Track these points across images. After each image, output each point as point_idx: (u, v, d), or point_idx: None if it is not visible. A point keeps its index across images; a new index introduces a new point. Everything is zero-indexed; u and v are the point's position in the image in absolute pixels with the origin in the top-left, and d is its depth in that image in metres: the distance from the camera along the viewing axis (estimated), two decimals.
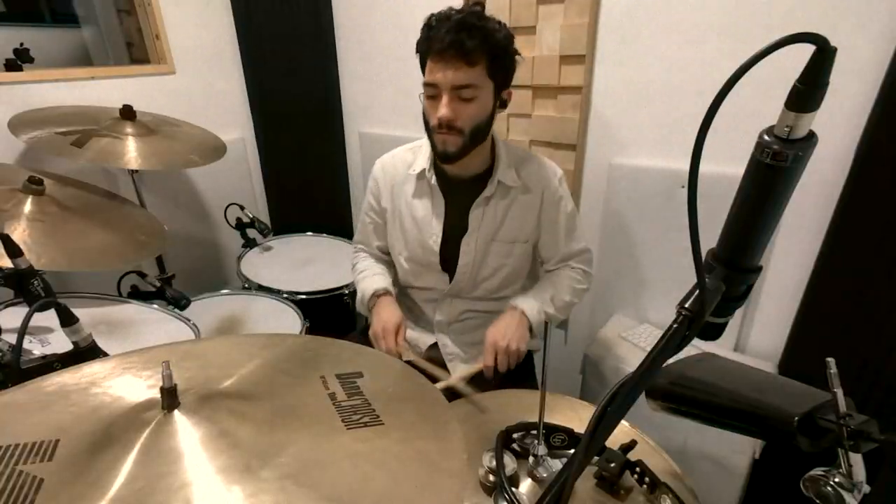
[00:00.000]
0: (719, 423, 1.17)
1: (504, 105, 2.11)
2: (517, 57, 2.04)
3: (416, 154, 2.30)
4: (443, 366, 2.32)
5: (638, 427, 1.72)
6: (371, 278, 2.37)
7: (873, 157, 1.99)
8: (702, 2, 2.23)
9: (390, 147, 2.43)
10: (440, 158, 2.10)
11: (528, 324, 2.14)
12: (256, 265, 3.38)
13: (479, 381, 2.04)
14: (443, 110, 1.94)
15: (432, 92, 1.98)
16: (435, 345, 2.43)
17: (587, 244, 2.37)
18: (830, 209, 2.15)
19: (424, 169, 2.23)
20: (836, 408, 0.93)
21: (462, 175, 2.20)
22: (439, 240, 2.26)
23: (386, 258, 2.56)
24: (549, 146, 2.87)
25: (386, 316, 2.20)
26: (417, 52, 2.04)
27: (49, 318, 1.54)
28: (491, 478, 1.46)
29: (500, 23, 1.97)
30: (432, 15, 1.98)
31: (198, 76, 3.57)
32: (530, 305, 2.17)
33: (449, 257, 2.31)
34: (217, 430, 0.95)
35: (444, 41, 1.87)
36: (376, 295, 2.30)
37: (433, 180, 2.22)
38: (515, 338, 2.06)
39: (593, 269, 2.37)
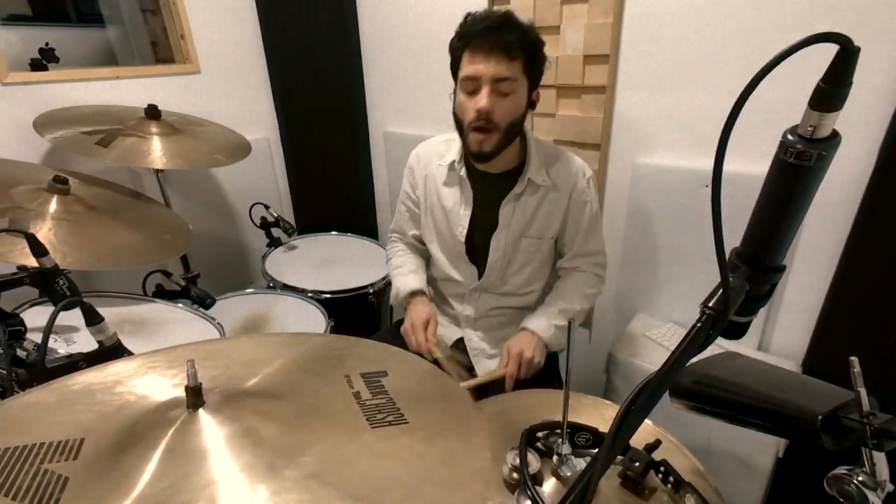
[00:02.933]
0: (743, 422, 1.17)
1: (533, 106, 2.12)
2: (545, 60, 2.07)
3: (450, 146, 2.31)
4: (468, 364, 2.37)
5: (662, 426, 1.72)
6: (406, 276, 2.42)
7: None
8: (727, 1, 2.22)
9: (415, 146, 2.46)
10: (475, 158, 2.13)
11: (543, 342, 2.18)
12: (281, 264, 3.39)
13: (496, 387, 2.10)
14: (483, 101, 1.95)
15: (471, 87, 1.99)
16: (461, 339, 2.45)
17: (604, 248, 2.39)
18: (854, 208, 2.13)
19: (455, 161, 2.24)
20: (860, 407, 0.93)
21: (492, 170, 2.21)
22: (465, 231, 2.28)
23: (421, 248, 2.59)
24: (574, 145, 2.85)
25: (415, 313, 2.26)
26: (452, 49, 2.05)
27: (74, 317, 1.55)
28: (515, 476, 1.46)
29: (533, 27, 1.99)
30: (469, 14, 2.00)
31: (223, 76, 3.59)
32: (539, 324, 2.21)
33: (475, 249, 2.33)
34: (242, 428, 0.95)
35: (486, 34, 1.91)
36: (411, 295, 2.34)
37: (462, 172, 2.24)
38: (537, 351, 2.13)
39: (608, 271, 2.38)
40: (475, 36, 1.94)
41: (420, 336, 2.18)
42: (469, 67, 1.97)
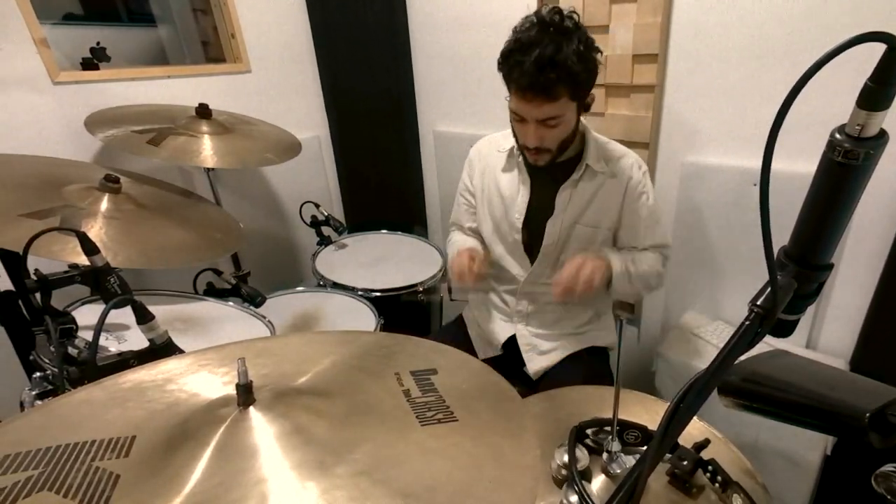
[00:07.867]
0: (791, 420, 1.16)
1: (588, 108, 2.10)
2: (598, 56, 1.96)
3: (508, 136, 2.29)
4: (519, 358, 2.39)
5: (710, 423, 1.72)
6: (462, 244, 2.43)
7: None
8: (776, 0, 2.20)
9: (465, 145, 2.50)
10: (531, 167, 2.16)
11: (609, 275, 2.14)
12: (331, 262, 3.39)
13: (548, 381, 2.12)
14: (530, 139, 2.00)
15: (518, 118, 2.00)
16: (513, 336, 2.45)
17: (669, 241, 2.34)
18: None
19: (514, 147, 2.25)
20: None
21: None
22: (522, 217, 2.28)
23: (479, 237, 2.58)
24: (622, 144, 2.83)
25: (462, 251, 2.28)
26: (499, 66, 1.99)
27: (125, 315, 1.56)
28: (563, 472, 1.46)
29: (577, 37, 1.88)
30: (517, 33, 1.93)
31: (273, 75, 3.61)
32: (616, 258, 2.18)
33: (531, 238, 2.32)
34: (292, 426, 0.95)
35: (522, 80, 1.87)
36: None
37: (521, 158, 2.25)
38: (598, 274, 2.07)
39: (666, 268, 2.33)
40: (516, 76, 1.89)
41: (464, 260, 2.20)
42: (514, 104, 1.98)
